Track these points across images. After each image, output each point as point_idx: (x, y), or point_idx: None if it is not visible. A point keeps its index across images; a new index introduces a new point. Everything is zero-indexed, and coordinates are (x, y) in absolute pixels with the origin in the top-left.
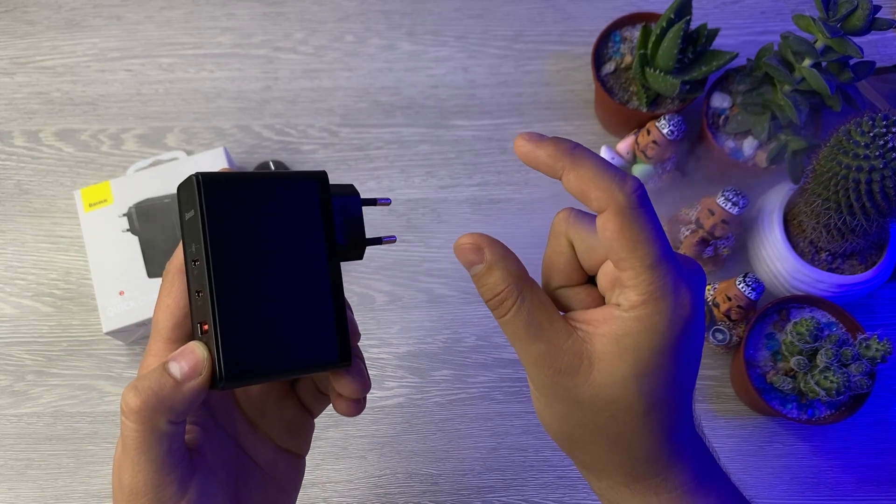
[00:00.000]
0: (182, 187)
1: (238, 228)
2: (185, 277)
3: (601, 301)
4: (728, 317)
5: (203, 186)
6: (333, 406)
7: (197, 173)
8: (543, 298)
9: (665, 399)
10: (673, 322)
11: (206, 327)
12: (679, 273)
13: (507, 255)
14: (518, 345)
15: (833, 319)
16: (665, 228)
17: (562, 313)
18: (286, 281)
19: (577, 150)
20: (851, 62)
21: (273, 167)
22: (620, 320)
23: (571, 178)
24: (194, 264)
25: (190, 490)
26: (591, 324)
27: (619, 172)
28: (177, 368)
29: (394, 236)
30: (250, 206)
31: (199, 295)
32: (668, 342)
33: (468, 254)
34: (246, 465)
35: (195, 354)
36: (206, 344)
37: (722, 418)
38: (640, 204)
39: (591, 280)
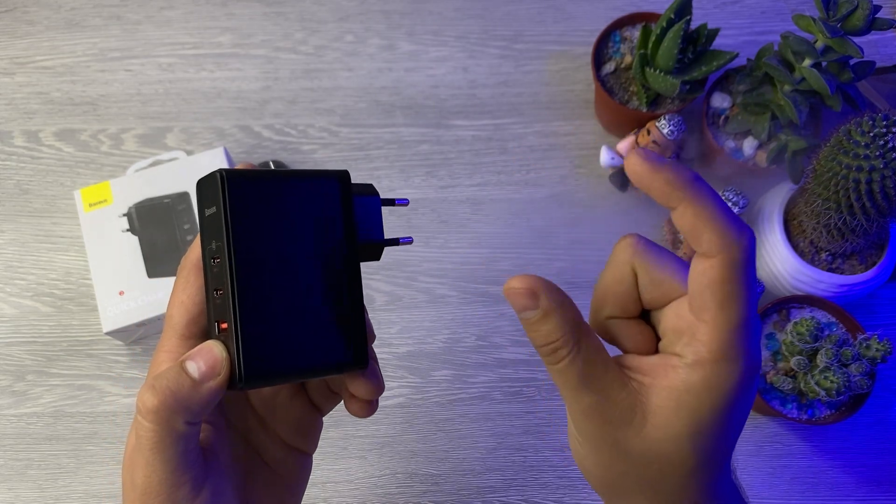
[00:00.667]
0: (203, 183)
1: (260, 226)
2: (201, 274)
3: (653, 340)
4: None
5: (227, 183)
6: (346, 406)
7: (220, 170)
8: (598, 346)
9: (715, 457)
10: (737, 385)
11: (224, 326)
12: (753, 336)
13: (564, 301)
14: (568, 394)
15: (833, 319)
16: (665, 228)
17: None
18: (306, 281)
19: (698, 184)
20: (851, 62)
21: (273, 167)
22: (682, 375)
23: (688, 212)
24: (213, 262)
25: (203, 491)
26: (647, 374)
27: (737, 219)
28: (195, 368)
29: (410, 237)
30: (273, 203)
31: (217, 293)
32: (729, 403)
33: (520, 299)
34: (255, 462)
35: (213, 354)
36: (225, 343)
37: None
38: (750, 261)
39: (643, 313)
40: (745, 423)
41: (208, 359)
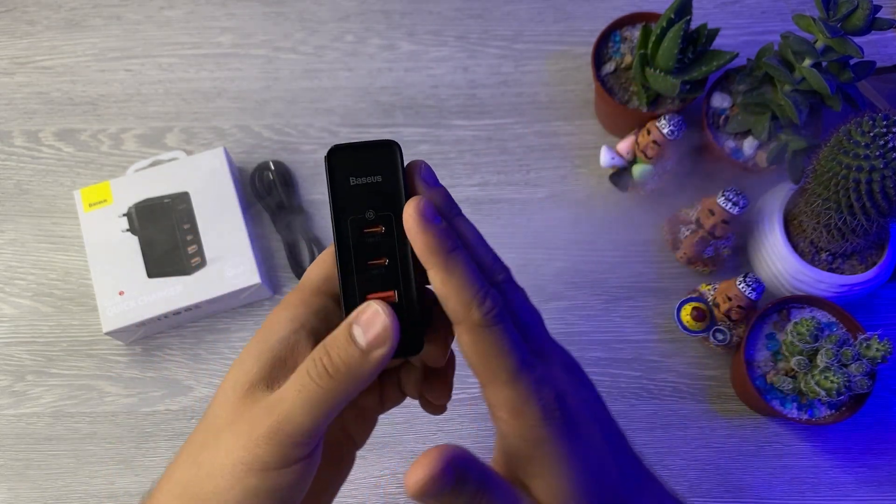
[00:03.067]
0: (346, 150)
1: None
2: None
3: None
4: (728, 317)
5: (401, 154)
6: (420, 403)
7: (393, 141)
8: (499, 483)
9: (611, 496)
10: (550, 425)
11: (391, 295)
12: (540, 376)
13: (463, 475)
14: None
15: (833, 319)
16: (665, 228)
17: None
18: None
19: (453, 255)
20: (852, 62)
21: (273, 167)
22: (517, 453)
23: (437, 280)
24: (364, 233)
25: (311, 458)
26: (512, 469)
27: (482, 289)
28: (362, 336)
29: None
30: (406, 178)
31: (373, 264)
32: (559, 445)
33: (427, 489)
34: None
35: (382, 319)
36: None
37: (722, 418)
38: (495, 322)
39: None
40: (623, 445)
41: (374, 325)
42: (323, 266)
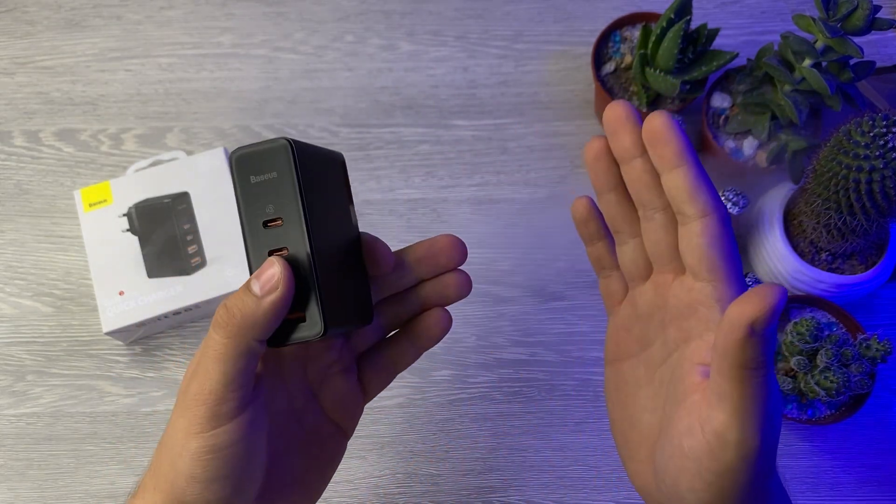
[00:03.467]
0: (250, 152)
1: (309, 192)
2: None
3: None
4: None
5: (295, 150)
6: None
7: (284, 137)
8: None
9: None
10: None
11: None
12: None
13: None
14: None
15: (833, 319)
16: None
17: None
18: (337, 243)
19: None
20: (852, 62)
21: None
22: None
23: (690, 175)
24: (266, 225)
25: (245, 413)
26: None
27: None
28: (257, 286)
29: None
30: (314, 172)
31: (276, 253)
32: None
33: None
34: (295, 427)
35: (271, 269)
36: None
37: None
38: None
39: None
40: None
41: (267, 274)
42: None
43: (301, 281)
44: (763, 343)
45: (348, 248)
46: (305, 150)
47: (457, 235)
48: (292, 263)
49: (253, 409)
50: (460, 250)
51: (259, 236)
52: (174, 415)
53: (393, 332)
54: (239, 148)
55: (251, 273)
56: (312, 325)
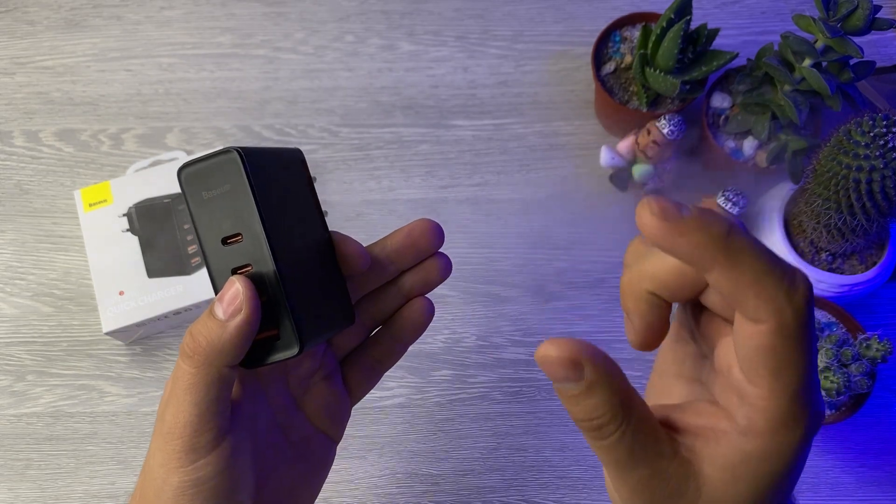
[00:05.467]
0: (196, 168)
1: (267, 199)
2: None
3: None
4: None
5: (246, 159)
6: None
7: (233, 147)
8: (648, 414)
9: None
10: (798, 450)
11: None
12: (813, 398)
13: (612, 371)
14: (614, 469)
15: (833, 319)
16: None
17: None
18: (305, 248)
19: (733, 239)
20: (852, 62)
21: None
22: (736, 444)
23: (724, 278)
24: (225, 243)
25: (224, 443)
26: (697, 436)
27: (787, 271)
28: (220, 309)
29: None
30: (270, 179)
31: (240, 272)
32: (790, 468)
33: (559, 369)
34: (281, 439)
35: (232, 290)
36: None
37: None
38: (807, 321)
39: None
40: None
41: (229, 296)
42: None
43: (269, 297)
44: None
45: (319, 250)
46: (258, 157)
47: (432, 219)
48: (257, 280)
49: (234, 436)
50: (438, 233)
51: (219, 255)
52: (153, 444)
53: (376, 331)
54: (186, 163)
55: (216, 293)
56: (287, 342)
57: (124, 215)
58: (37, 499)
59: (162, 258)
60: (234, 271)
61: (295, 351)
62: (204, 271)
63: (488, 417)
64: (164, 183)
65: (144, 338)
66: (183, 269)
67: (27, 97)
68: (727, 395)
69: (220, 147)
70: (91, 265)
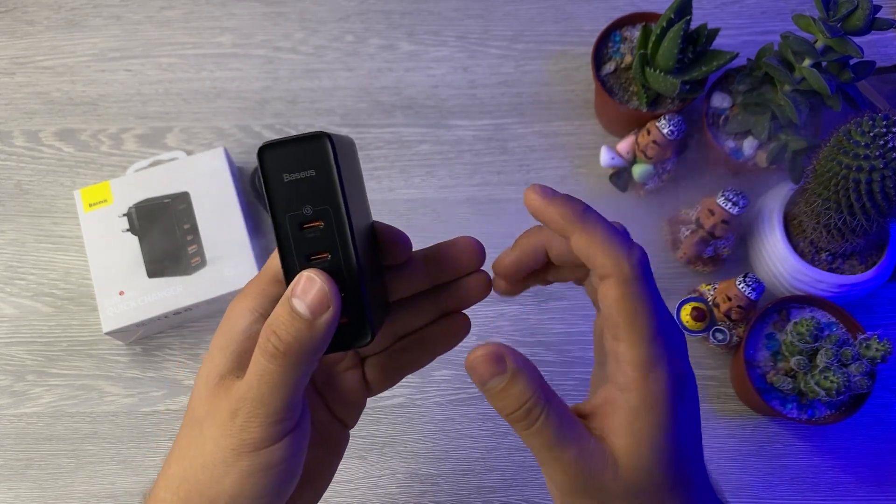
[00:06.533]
0: (281, 148)
1: (348, 188)
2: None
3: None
4: (728, 317)
5: (334, 145)
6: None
7: (323, 133)
8: (562, 402)
9: (684, 472)
10: (666, 392)
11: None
12: (673, 343)
13: (527, 363)
14: (546, 454)
15: (833, 319)
16: (665, 228)
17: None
18: (366, 237)
19: (587, 214)
20: (851, 62)
21: None
22: (625, 404)
23: (581, 241)
24: (302, 228)
25: (298, 429)
26: (600, 415)
27: (626, 240)
28: (303, 306)
29: None
30: (346, 167)
31: (316, 258)
32: (669, 414)
33: (487, 365)
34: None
35: (319, 287)
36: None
37: (722, 418)
38: (644, 275)
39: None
40: (700, 433)
41: (315, 294)
42: None
43: (345, 287)
44: None
45: (369, 239)
46: (340, 144)
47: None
48: (335, 269)
49: (303, 421)
50: (481, 251)
51: (295, 240)
52: (210, 432)
53: (406, 338)
54: (269, 143)
55: (287, 280)
56: (359, 331)
57: (124, 215)
58: (37, 498)
59: (162, 258)
60: (309, 257)
61: (368, 339)
62: (204, 272)
63: (488, 417)
64: (164, 183)
65: (144, 338)
66: (183, 269)
67: (27, 97)
68: (612, 367)
69: (310, 132)
70: (91, 265)
